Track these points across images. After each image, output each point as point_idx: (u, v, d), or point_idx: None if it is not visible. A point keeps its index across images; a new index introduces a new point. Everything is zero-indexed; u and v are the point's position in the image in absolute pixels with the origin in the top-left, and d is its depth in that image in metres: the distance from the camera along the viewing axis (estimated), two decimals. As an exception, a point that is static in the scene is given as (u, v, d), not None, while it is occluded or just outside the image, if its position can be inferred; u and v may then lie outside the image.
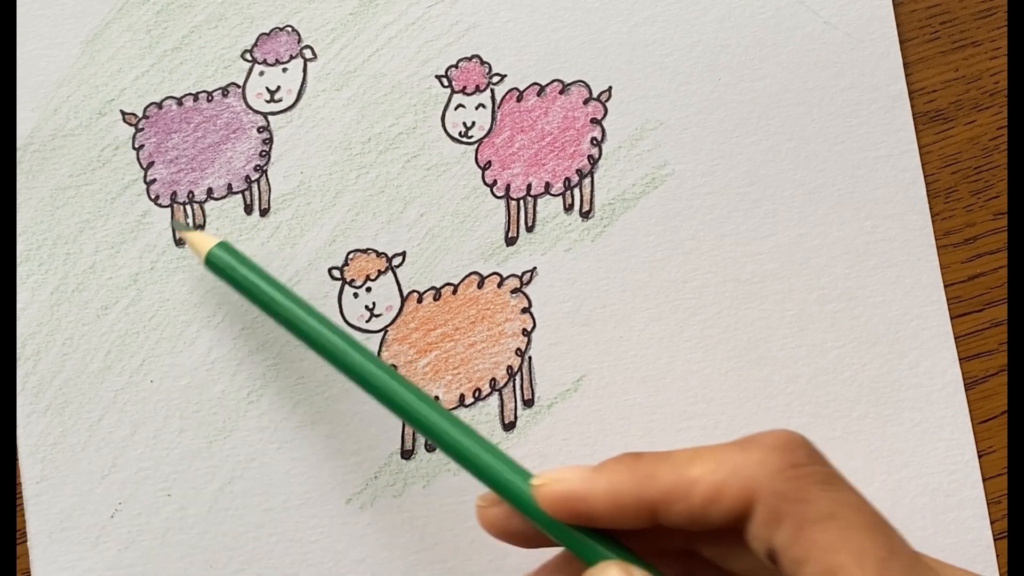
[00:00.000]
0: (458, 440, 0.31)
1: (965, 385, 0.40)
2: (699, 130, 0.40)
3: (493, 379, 0.39)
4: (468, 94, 0.41)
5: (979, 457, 0.39)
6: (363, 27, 0.41)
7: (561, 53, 0.41)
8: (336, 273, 0.40)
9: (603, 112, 0.41)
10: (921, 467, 0.39)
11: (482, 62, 0.41)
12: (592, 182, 0.40)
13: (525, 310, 0.40)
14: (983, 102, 0.41)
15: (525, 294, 0.40)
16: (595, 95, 0.41)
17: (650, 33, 0.41)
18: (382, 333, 0.40)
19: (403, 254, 0.40)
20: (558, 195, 0.40)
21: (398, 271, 0.40)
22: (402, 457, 0.39)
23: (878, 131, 0.40)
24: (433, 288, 0.40)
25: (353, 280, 0.40)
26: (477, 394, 0.39)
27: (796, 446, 0.28)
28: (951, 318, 0.40)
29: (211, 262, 0.36)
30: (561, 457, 0.39)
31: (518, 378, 0.39)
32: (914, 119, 0.41)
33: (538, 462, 0.39)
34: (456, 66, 0.41)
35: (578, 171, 0.40)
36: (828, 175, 0.40)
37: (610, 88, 0.41)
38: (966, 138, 0.41)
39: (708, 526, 0.28)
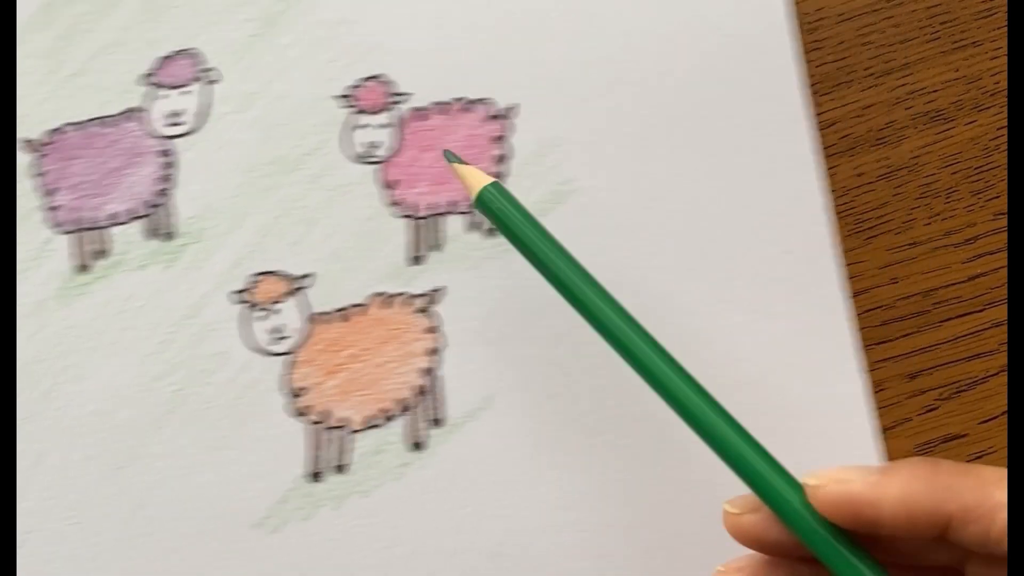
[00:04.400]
0: (728, 437, 0.30)
1: (965, 385, 0.40)
2: (603, 145, 0.41)
3: (402, 399, 0.39)
4: (372, 113, 0.40)
5: (979, 457, 0.40)
6: (266, 48, 0.41)
7: (465, 71, 0.41)
8: (242, 296, 0.40)
9: (507, 129, 0.41)
10: (827, 476, 0.39)
11: (385, 81, 0.41)
12: (498, 199, 0.40)
13: (433, 329, 0.40)
14: (983, 102, 0.41)
15: (433, 313, 0.40)
16: (499, 112, 0.41)
17: (553, 49, 0.41)
18: (289, 356, 0.39)
19: (309, 275, 0.40)
20: (463, 213, 0.40)
21: (304, 293, 0.40)
22: (310, 480, 0.39)
23: (778, 140, 0.41)
24: (340, 309, 0.40)
25: (259, 303, 0.40)
26: (386, 414, 0.39)
27: None
28: (950, 318, 0.40)
29: (482, 201, 0.34)
30: (470, 476, 0.39)
31: (427, 398, 0.39)
32: (914, 119, 0.41)
33: (448, 482, 0.39)
34: (359, 86, 0.41)
35: (483, 189, 0.40)
36: (730, 188, 0.40)
37: (514, 105, 0.41)
38: (966, 138, 0.41)
39: (990, 553, 0.27)
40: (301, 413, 0.39)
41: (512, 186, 0.40)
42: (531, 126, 0.41)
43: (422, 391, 0.39)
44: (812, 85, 0.42)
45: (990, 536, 0.27)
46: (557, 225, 0.40)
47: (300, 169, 0.40)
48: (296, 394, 0.39)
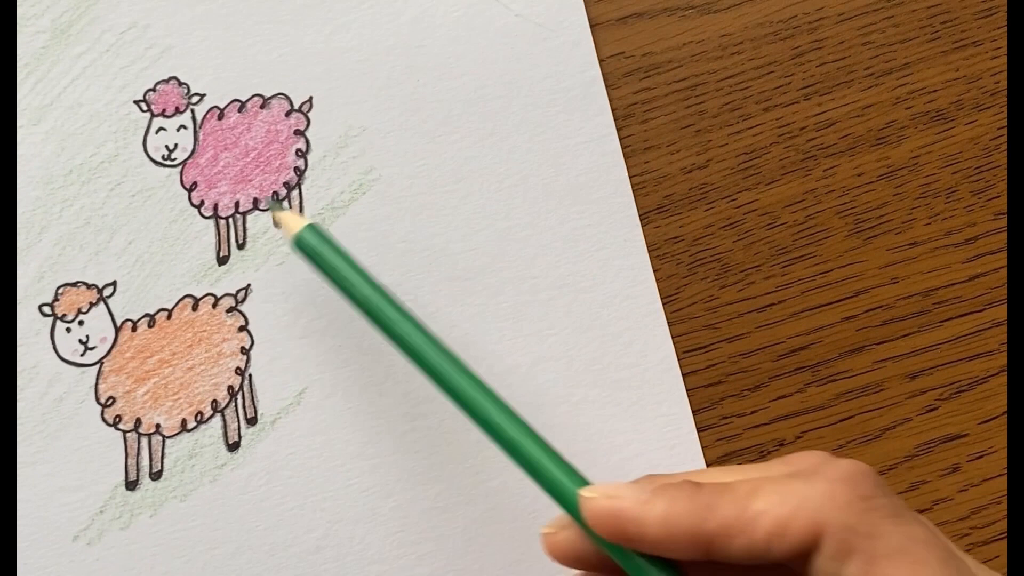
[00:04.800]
0: (521, 444, 0.30)
1: (965, 385, 0.40)
2: (402, 132, 0.41)
3: (215, 400, 0.39)
4: (168, 116, 0.40)
5: (979, 458, 0.40)
6: (57, 59, 0.40)
7: (259, 68, 0.41)
8: (47, 309, 0.39)
9: (306, 123, 0.41)
10: (643, 445, 0.39)
11: (180, 83, 0.41)
12: (300, 194, 0.40)
13: (242, 328, 0.39)
14: (983, 102, 0.42)
15: (241, 312, 0.40)
16: (296, 107, 0.41)
17: (346, 40, 0.41)
18: (98, 365, 0.39)
19: (114, 284, 0.39)
20: (267, 210, 0.40)
21: (110, 301, 0.39)
22: (127, 488, 0.39)
23: (576, 118, 0.41)
24: (147, 315, 0.39)
25: (65, 315, 0.39)
26: (199, 417, 0.39)
27: (863, 477, 0.28)
28: (951, 318, 0.40)
29: (300, 244, 0.35)
30: (288, 472, 0.39)
31: (239, 397, 0.39)
32: (914, 119, 0.41)
33: (265, 479, 0.39)
34: (154, 89, 0.40)
35: (285, 184, 0.40)
36: (532, 166, 0.41)
37: (311, 98, 0.41)
38: (966, 138, 0.41)
39: (767, 560, 0.27)
40: (113, 422, 0.39)
41: (314, 179, 0.40)
42: (329, 118, 0.41)
43: (234, 391, 0.39)
44: (812, 85, 0.42)
45: (755, 546, 0.27)
46: (362, 215, 0.40)
47: (98, 177, 0.40)
48: (106, 404, 0.39)
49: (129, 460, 0.39)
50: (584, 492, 0.29)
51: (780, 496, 0.27)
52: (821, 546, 0.27)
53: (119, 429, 0.39)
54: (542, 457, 0.30)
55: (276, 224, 0.37)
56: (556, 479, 0.30)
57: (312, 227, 0.35)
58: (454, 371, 0.32)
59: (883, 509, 0.27)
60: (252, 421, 0.39)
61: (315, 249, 0.34)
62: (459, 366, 0.32)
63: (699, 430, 0.39)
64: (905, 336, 0.40)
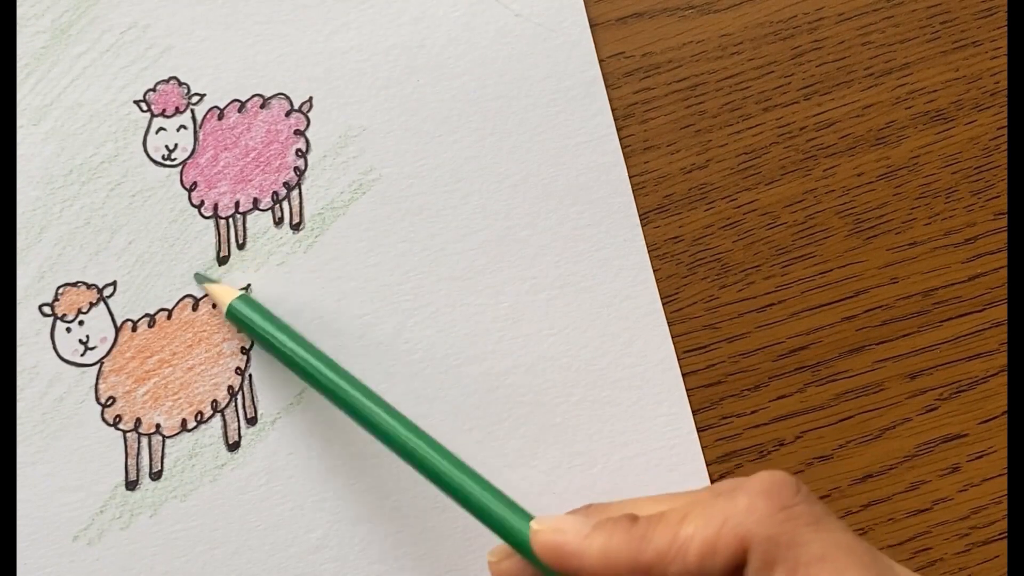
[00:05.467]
0: (460, 482, 0.33)
1: (965, 385, 0.40)
2: (402, 132, 0.41)
3: (215, 400, 0.39)
4: (168, 116, 0.40)
5: (979, 458, 0.40)
6: (57, 59, 0.40)
7: (259, 68, 0.41)
8: (47, 309, 0.39)
9: (306, 123, 0.41)
10: (643, 445, 0.39)
11: (180, 83, 0.41)
12: (300, 194, 0.40)
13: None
14: (983, 102, 0.42)
15: (241, 312, 0.40)
16: (296, 107, 0.41)
17: (346, 40, 0.41)
18: (98, 365, 0.39)
19: (114, 284, 0.39)
20: (267, 210, 0.40)
21: (110, 301, 0.39)
22: (127, 488, 0.39)
23: (576, 118, 0.41)
24: (147, 315, 0.39)
25: (65, 315, 0.39)
26: (199, 417, 0.39)
27: (782, 487, 0.28)
28: (951, 318, 0.40)
29: (232, 314, 0.38)
30: (288, 472, 0.39)
31: (240, 397, 0.39)
32: (914, 119, 0.41)
33: (265, 479, 0.39)
34: (154, 89, 0.40)
35: (285, 184, 0.40)
36: (532, 165, 0.41)
37: (311, 98, 0.41)
38: (966, 138, 0.41)
39: None
40: (113, 422, 0.39)
41: (314, 179, 0.40)
42: (330, 118, 0.41)
43: (234, 391, 0.39)
44: (812, 85, 0.42)
45: (689, 570, 0.28)
46: (362, 215, 0.40)
47: (98, 177, 0.40)
48: (106, 404, 0.39)
49: (129, 460, 0.39)
50: (533, 525, 0.31)
51: (705, 518, 0.28)
52: (748, 560, 0.27)
53: (119, 429, 0.39)
54: (487, 496, 0.33)
55: (210, 295, 0.39)
56: (502, 516, 0.32)
57: (244, 297, 0.38)
58: (393, 421, 0.34)
59: (803, 517, 0.28)
60: (252, 421, 0.39)
61: (247, 318, 0.37)
62: (397, 416, 0.34)
63: (699, 430, 0.40)
64: (905, 336, 0.40)
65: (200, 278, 0.39)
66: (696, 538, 0.28)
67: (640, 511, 0.31)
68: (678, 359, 0.40)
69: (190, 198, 0.40)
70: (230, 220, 0.40)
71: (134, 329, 0.39)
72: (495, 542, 0.34)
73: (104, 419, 0.39)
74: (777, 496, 0.28)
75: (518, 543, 0.32)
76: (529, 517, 0.32)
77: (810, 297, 0.41)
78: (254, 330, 0.37)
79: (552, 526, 0.31)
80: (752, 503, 0.28)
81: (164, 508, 0.38)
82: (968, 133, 0.42)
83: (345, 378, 0.35)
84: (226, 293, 0.38)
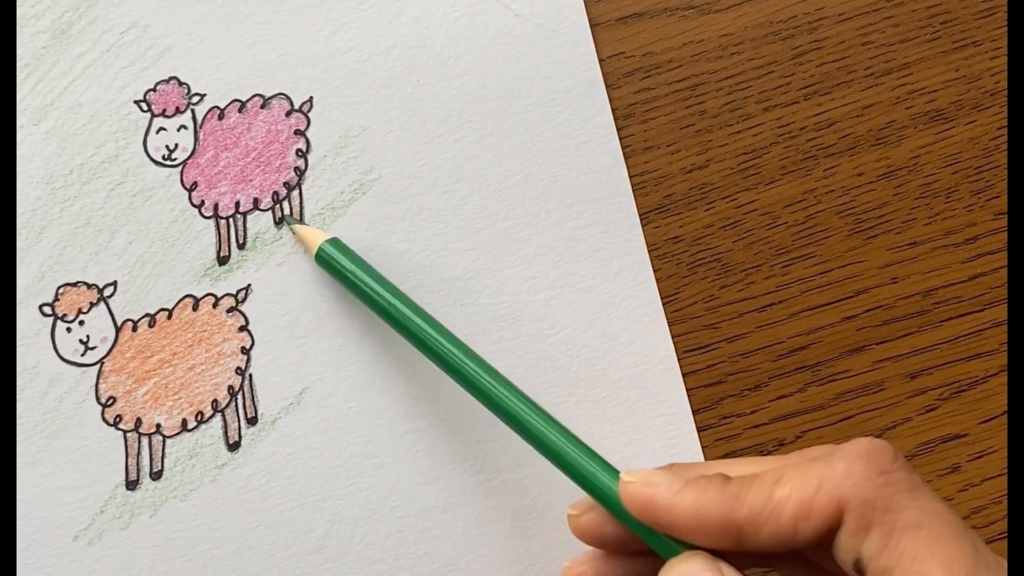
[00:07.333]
0: (549, 436, 0.33)
1: (965, 385, 0.40)
2: (402, 132, 0.41)
3: (215, 400, 0.39)
4: (168, 116, 0.40)
5: (979, 458, 0.40)
6: (57, 59, 0.40)
7: (259, 68, 0.41)
8: (47, 309, 0.39)
9: (306, 123, 0.41)
10: (643, 445, 0.39)
11: (180, 83, 0.41)
12: (301, 193, 0.40)
13: (243, 328, 0.39)
14: (983, 102, 0.42)
15: (241, 312, 0.40)
16: (297, 106, 0.41)
17: (346, 40, 0.41)
18: (98, 365, 0.39)
19: (114, 284, 0.39)
20: (267, 210, 0.40)
21: (110, 301, 0.39)
22: (127, 488, 0.39)
23: (576, 118, 0.41)
24: (147, 315, 0.39)
25: (65, 315, 0.39)
26: (200, 417, 0.39)
27: (881, 452, 0.28)
28: (951, 318, 0.40)
29: (321, 256, 0.38)
30: (288, 472, 0.39)
31: (240, 397, 0.39)
32: (914, 119, 0.41)
33: (265, 479, 0.39)
34: (154, 89, 0.40)
35: (286, 184, 0.40)
36: (531, 166, 0.41)
37: (311, 98, 0.41)
38: (966, 138, 0.41)
39: (796, 545, 0.28)
40: (113, 422, 0.39)
41: (314, 179, 0.40)
42: (330, 118, 0.41)
43: (234, 391, 0.39)
44: (812, 85, 0.42)
45: (782, 532, 0.28)
46: (362, 215, 0.40)
47: (99, 177, 0.40)
48: (107, 403, 0.39)
49: (129, 460, 0.39)
50: (624, 476, 0.31)
51: (802, 479, 0.28)
52: (843, 523, 0.27)
53: (119, 429, 0.39)
54: (574, 449, 0.32)
55: (298, 238, 0.40)
56: (590, 469, 0.32)
57: (334, 240, 0.38)
58: (482, 373, 0.34)
59: (901, 483, 0.28)
60: (252, 421, 0.39)
61: (337, 262, 0.37)
62: (486, 368, 0.34)
63: (699, 430, 0.40)
64: (905, 336, 0.40)
65: (290, 220, 0.39)
66: (791, 499, 0.28)
67: (729, 472, 0.30)
68: (678, 359, 0.40)
69: (190, 198, 0.40)
70: (230, 220, 0.40)
71: (134, 329, 0.39)
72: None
73: (104, 419, 0.39)
74: (876, 461, 0.28)
75: (603, 496, 0.31)
76: (615, 471, 0.32)
77: (810, 297, 0.41)
78: (343, 274, 0.37)
79: (643, 478, 0.30)
80: (850, 467, 0.28)
81: (164, 508, 0.38)
82: (968, 133, 0.42)
83: (436, 328, 0.35)
84: (315, 236, 0.38)
